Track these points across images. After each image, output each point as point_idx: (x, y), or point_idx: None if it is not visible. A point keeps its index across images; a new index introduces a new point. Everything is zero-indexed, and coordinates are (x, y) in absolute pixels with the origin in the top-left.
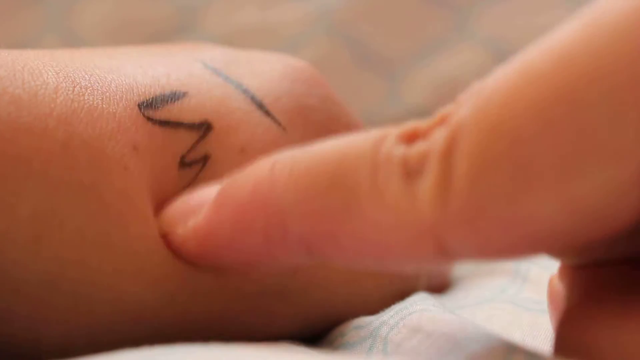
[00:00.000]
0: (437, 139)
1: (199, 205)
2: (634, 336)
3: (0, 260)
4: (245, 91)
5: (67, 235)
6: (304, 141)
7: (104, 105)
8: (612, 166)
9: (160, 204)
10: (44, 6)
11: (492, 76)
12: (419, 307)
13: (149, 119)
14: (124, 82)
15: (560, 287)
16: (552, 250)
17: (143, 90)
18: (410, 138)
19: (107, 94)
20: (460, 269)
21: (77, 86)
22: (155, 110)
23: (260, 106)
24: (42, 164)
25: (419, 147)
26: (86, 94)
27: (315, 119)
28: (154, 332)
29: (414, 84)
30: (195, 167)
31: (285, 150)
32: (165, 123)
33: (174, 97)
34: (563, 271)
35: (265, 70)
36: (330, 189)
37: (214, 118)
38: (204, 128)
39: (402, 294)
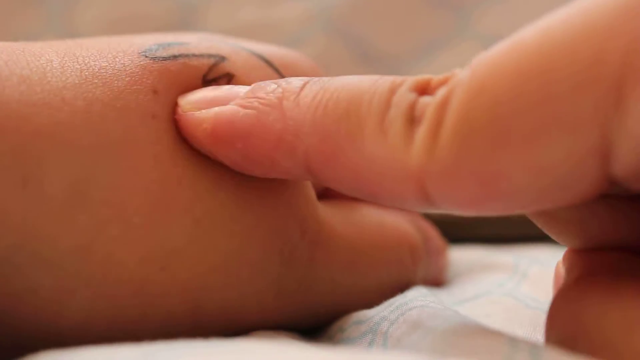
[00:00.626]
0: (438, 95)
1: (226, 97)
2: (615, 314)
3: (30, 236)
4: (251, 51)
5: (105, 195)
6: None
7: (111, 65)
8: (572, 136)
9: None
10: (45, 4)
11: (493, 46)
12: (420, 302)
13: (155, 58)
14: (123, 43)
15: (562, 270)
16: (524, 209)
17: (143, 42)
18: (422, 89)
19: (110, 55)
20: (458, 264)
21: (80, 57)
22: (160, 52)
23: (270, 64)
24: (66, 133)
25: (425, 99)
26: (91, 61)
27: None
28: (178, 284)
29: None
30: (220, 81)
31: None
32: (175, 56)
33: (176, 43)
34: (566, 255)
35: (268, 47)
36: (344, 115)
37: (225, 55)
38: (218, 57)
39: (399, 286)
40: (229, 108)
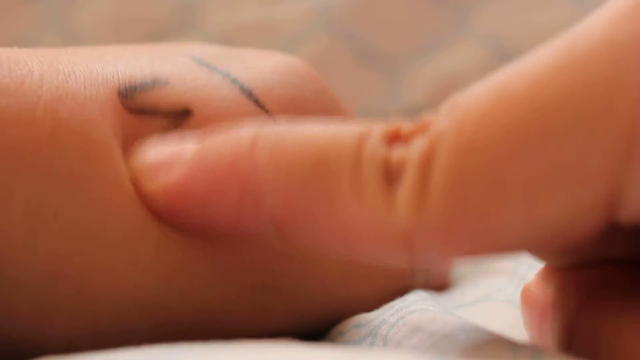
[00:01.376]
0: (416, 148)
1: (172, 159)
2: (633, 329)
3: (1, 256)
4: (234, 80)
5: (62, 228)
6: None
7: (86, 92)
8: (577, 190)
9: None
10: (44, 4)
11: (470, 91)
12: (420, 306)
13: (125, 107)
14: (106, 70)
15: (541, 292)
16: (518, 253)
17: (123, 77)
18: (393, 139)
19: (89, 80)
20: (459, 269)
21: (61, 73)
22: (132, 99)
23: (250, 95)
24: (32, 154)
25: (399, 152)
26: (69, 80)
27: (308, 111)
28: (157, 323)
29: (413, 81)
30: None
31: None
32: (140, 111)
33: (153, 84)
34: (548, 274)
35: (257, 65)
36: (311, 177)
37: (195, 105)
38: (183, 113)
39: (397, 293)
40: (177, 176)
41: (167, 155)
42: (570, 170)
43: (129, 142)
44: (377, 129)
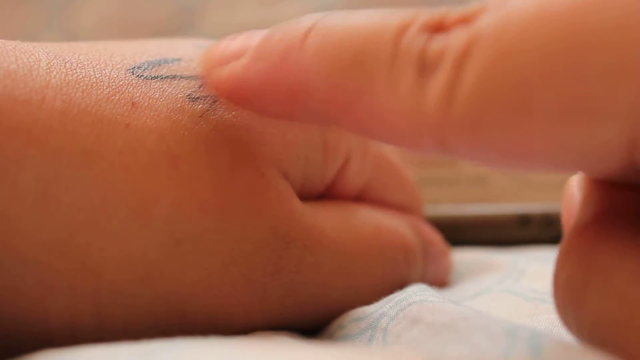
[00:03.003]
0: (456, 40)
1: (240, 50)
2: (632, 266)
3: (5, 230)
4: None
5: (75, 198)
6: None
7: (96, 74)
8: (600, 127)
9: (180, 138)
10: (44, 6)
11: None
12: (419, 297)
13: (142, 77)
14: (113, 56)
15: (576, 194)
16: (543, 171)
17: (133, 59)
18: (435, 29)
19: (98, 66)
20: (458, 266)
21: (68, 62)
22: (149, 71)
23: None
24: (42, 133)
25: (438, 42)
26: (77, 68)
27: None
28: (156, 294)
29: None
30: (206, 99)
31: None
32: (161, 77)
33: (166, 61)
34: (583, 182)
35: None
36: (351, 67)
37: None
38: (206, 79)
39: (393, 288)
40: (240, 66)
41: (236, 46)
42: (597, 106)
43: (159, 100)
44: (420, 18)
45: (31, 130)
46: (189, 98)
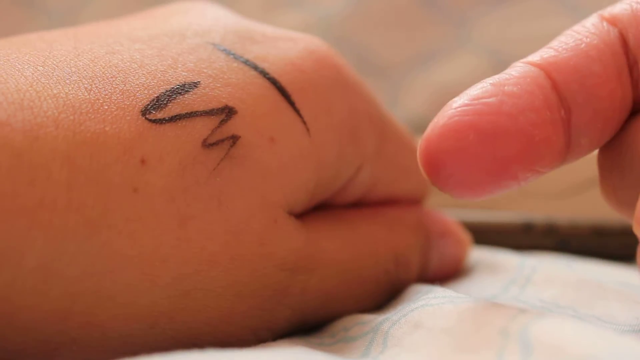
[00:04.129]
0: None
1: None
2: None
3: (7, 309)
4: (267, 77)
5: (79, 270)
6: (325, 147)
7: (106, 129)
8: None
9: (191, 197)
10: (44, 12)
11: None
12: (421, 302)
13: (154, 121)
14: (126, 89)
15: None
16: None
17: (146, 92)
18: None
19: (109, 111)
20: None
21: (77, 113)
22: (162, 110)
23: (285, 95)
24: (46, 213)
25: None
26: (87, 120)
27: (337, 116)
28: (166, 337)
29: (412, 91)
30: (223, 144)
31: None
32: (176, 117)
33: (183, 89)
34: None
35: (284, 50)
36: None
37: (236, 103)
38: (226, 111)
39: (386, 290)
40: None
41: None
42: None
43: (172, 149)
44: None
45: (35, 212)
46: (204, 145)
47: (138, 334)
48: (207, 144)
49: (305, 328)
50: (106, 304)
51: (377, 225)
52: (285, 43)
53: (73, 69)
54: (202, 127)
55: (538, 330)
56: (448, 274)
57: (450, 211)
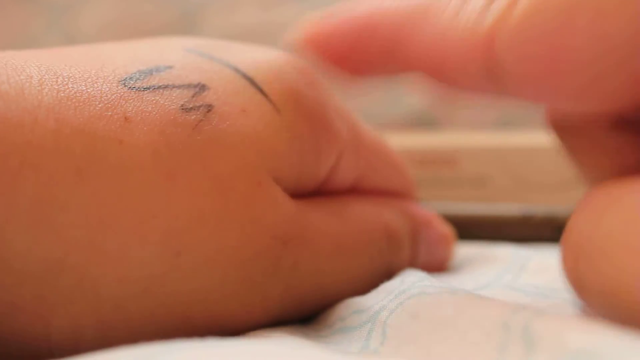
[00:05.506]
0: None
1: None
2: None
3: (3, 251)
4: (235, 69)
5: (69, 217)
6: (296, 124)
7: (88, 90)
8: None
9: (175, 152)
10: (44, 9)
11: None
12: (417, 290)
13: (133, 88)
14: (105, 68)
15: None
16: (582, 99)
17: (125, 69)
18: None
19: (90, 79)
20: (458, 257)
21: (60, 77)
22: (140, 81)
23: (253, 82)
24: (35, 155)
25: None
26: (69, 82)
27: (304, 104)
28: (158, 304)
29: (414, 86)
30: (199, 110)
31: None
32: (154, 87)
33: (158, 69)
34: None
35: (254, 55)
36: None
37: (207, 82)
38: (199, 86)
39: (380, 271)
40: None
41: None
42: None
43: (153, 112)
44: None
45: (25, 152)
46: (182, 109)
47: (131, 299)
48: (185, 108)
49: (300, 317)
50: (98, 259)
51: (367, 205)
52: (253, 51)
53: (57, 56)
54: (178, 96)
55: (540, 325)
56: (437, 266)
57: (449, 204)
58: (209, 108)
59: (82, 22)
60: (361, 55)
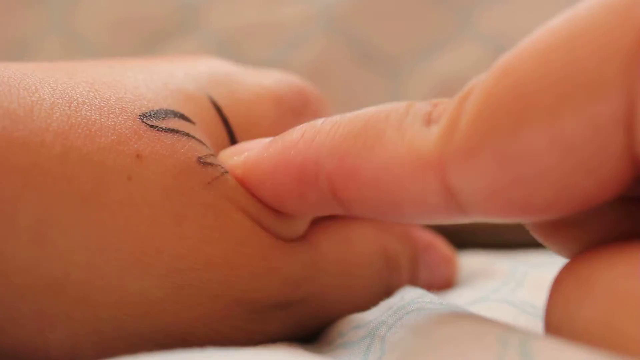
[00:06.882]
0: (457, 96)
1: (254, 144)
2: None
3: (3, 267)
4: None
5: (72, 241)
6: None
7: (102, 120)
8: (597, 102)
9: (187, 199)
10: (45, 5)
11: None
12: (416, 305)
13: (152, 126)
14: (124, 97)
15: None
16: (544, 208)
17: (145, 102)
18: (437, 104)
19: (105, 108)
20: (459, 270)
21: (74, 102)
22: (160, 120)
23: (225, 121)
24: (39, 176)
25: (442, 105)
26: (83, 109)
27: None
28: (158, 328)
29: (414, 82)
30: (217, 167)
31: None
32: (173, 130)
33: (183, 116)
34: None
35: (243, 94)
36: (361, 131)
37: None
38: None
39: (381, 293)
40: (255, 151)
41: (251, 144)
42: (589, 83)
43: (167, 156)
44: (424, 103)
45: (29, 172)
46: (199, 161)
47: (129, 321)
48: (202, 162)
49: (300, 335)
50: (98, 282)
51: (368, 229)
52: (250, 88)
53: (74, 77)
54: (196, 148)
55: (537, 343)
56: (441, 285)
57: None
58: (225, 171)
59: (81, 16)
60: (300, 201)
